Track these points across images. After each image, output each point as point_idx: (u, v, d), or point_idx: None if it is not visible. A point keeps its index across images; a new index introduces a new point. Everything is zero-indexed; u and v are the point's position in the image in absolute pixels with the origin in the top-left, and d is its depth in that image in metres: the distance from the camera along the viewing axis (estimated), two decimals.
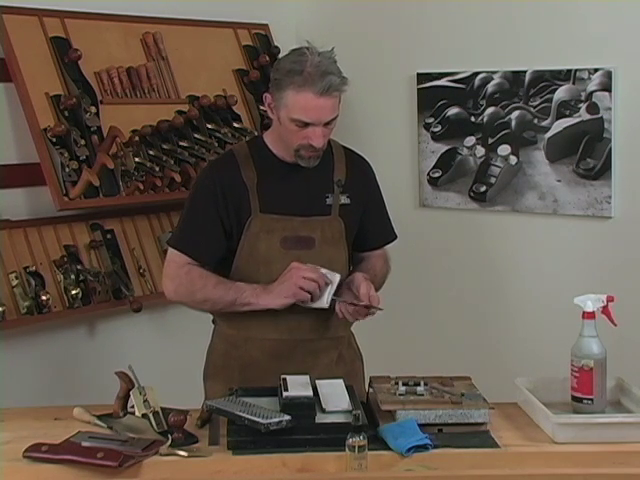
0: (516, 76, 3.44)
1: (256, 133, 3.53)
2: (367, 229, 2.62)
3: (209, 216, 2.45)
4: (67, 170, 3.03)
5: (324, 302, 2.40)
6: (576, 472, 2.03)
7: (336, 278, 2.40)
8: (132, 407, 2.24)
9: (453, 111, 3.62)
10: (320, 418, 2.15)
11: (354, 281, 2.44)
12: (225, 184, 2.45)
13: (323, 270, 2.40)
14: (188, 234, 2.49)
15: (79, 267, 3.10)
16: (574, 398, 2.24)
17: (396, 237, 2.70)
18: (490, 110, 3.52)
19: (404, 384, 2.28)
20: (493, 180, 3.53)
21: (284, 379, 2.24)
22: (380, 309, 2.40)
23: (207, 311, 2.54)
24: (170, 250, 2.51)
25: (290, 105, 2.35)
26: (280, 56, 3.66)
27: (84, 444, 2.06)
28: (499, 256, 3.59)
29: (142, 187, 3.22)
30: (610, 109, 3.22)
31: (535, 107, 3.41)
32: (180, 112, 3.42)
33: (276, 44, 3.81)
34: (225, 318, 2.54)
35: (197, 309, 2.53)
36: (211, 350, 2.63)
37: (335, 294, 2.41)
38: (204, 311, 2.54)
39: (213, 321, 2.63)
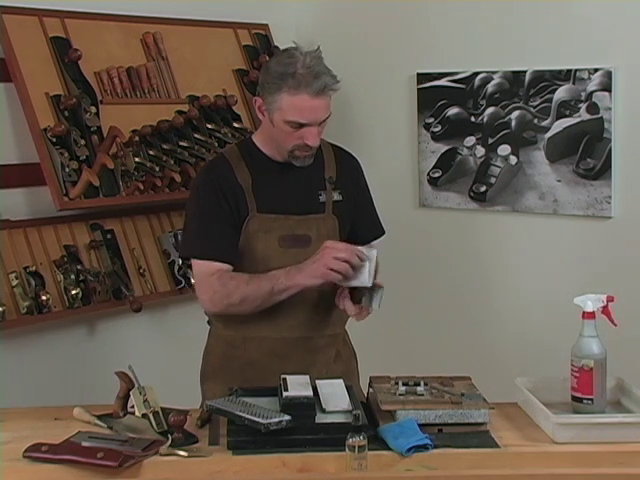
0: (516, 76, 3.44)
1: None
2: (356, 224, 2.62)
3: (220, 216, 2.43)
4: (67, 170, 3.03)
5: (366, 281, 2.33)
6: (576, 472, 2.03)
7: (373, 254, 2.34)
8: (132, 407, 2.24)
9: (453, 111, 3.61)
10: (320, 418, 2.15)
11: None
12: (223, 185, 2.44)
13: (358, 247, 2.35)
14: (206, 239, 2.44)
15: (79, 267, 3.10)
16: (574, 398, 2.24)
17: (384, 232, 2.69)
18: (490, 110, 3.52)
19: (404, 384, 2.28)
20: (493, 180, 3.53)
21: (284, 379, 2.23)
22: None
23: (246, 312, 2.42)
24: (194, 262, 2.48)
25: (285, 108, 2.35)
26: None
27: (84, 444, 2.06)
28: (499, 256, 3.59)
29: (142, 187, 3.22)
30: (610, 109, 3.22)
31: (535, 107, 3.40)
32: (180, 112, 3.42)
33: (276, 44, 3.81)
34: (221, 319, 2.53)
35: (236, 313, 2.43)
36: (208, 352, 2.61)
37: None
38: (243, 313, 2.43)
39: (208, 322, 2.63)
